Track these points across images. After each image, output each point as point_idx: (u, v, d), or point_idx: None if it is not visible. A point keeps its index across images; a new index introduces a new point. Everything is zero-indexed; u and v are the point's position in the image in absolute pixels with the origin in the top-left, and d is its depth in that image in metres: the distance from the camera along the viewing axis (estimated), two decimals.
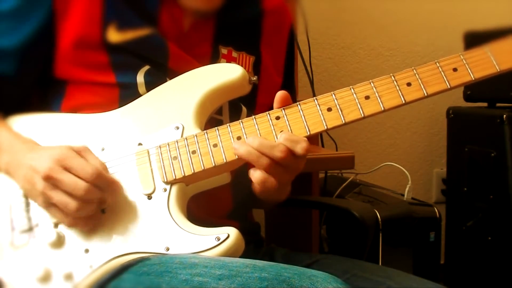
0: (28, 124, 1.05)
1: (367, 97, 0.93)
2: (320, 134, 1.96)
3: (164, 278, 0.85)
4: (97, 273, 0.92)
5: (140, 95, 1.03)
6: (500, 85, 2.00)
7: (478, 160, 2.10)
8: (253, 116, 0.95)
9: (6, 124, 1.05)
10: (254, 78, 1.03)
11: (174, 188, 0.95)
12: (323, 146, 2.05)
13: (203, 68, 1.02)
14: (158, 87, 1.02)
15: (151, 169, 0.96)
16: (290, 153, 0.90)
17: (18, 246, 0.97)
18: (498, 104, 2.14)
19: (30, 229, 0.97)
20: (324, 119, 0.93)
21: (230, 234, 0.89)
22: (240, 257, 0.89)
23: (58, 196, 0.90)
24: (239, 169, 1.00)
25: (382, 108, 0.92)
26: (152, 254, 0.91)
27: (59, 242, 0.95)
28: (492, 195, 2.04)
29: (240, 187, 1.06)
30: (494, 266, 2.05)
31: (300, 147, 0.90)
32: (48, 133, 1.03)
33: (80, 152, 0.93)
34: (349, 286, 0.81)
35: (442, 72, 0.93)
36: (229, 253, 0.88)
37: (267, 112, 0.95)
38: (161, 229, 0.92)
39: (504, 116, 1.97)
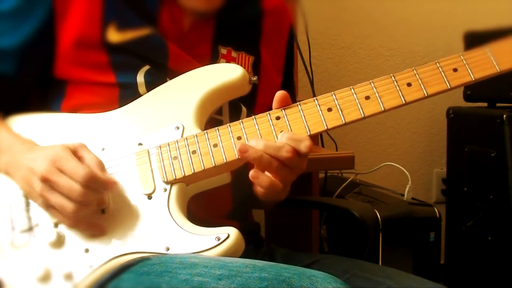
0: (28, 124, 1.05)
1: (367, 97, 0.93)
2: (320, 134, 1.96)
3: (164, 278, 0.85)
4: (97, 273, 0.92)
5: (140, 95, 1.03)
6: (500, 85, 2.00)
7: (478, 160, 2.10)
8: (253, 116, 0.95)
9: (6, 124, 1.05)
10: (254, 78, 1.03)
11: (174, 188, 0.95)
12: (323, 146, 2.05)
13: (203, 68, 1.02)
14: (158, 87, 1.02)
15: (151, 169, 0.96)
16: (296, 152, 0.90)
17: (18, 246, 0.97)
18: (498, 104, 2.14)
19: (30, 229, 0.97)
20: (324, 119, 0.93)
21: (230, 234, 0.89)
22: (240, 257, 0.89)
23: (55, 198, 0.90)
24: (239, 169, 1.00)
25: (382, 108, 0.92)
26: (152, 254, 0.91)
27: (59, 242, 0.95)
28: (492, 195, 2.04)
29: (240, 187, 1.06)
30: (494, 266, 2.05)
31: (304, 146, 0.90)
32: (48, 133, 1.03)
33: (76, 151, 0.93)
34: (349, 286, 0.81)
35: (442, 73, 0.93)
36: (229, 253, 0.88)
37: (267, 112, 0.95)
38: (161, 229, 0.92)
39: (504, 116, 1.97)
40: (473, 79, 0.92)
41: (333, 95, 0.93)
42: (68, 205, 0.90)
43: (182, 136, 0.96)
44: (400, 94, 0.92)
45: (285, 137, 0.90)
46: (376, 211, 1.73)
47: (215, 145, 0.94)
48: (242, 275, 0.80)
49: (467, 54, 0.93)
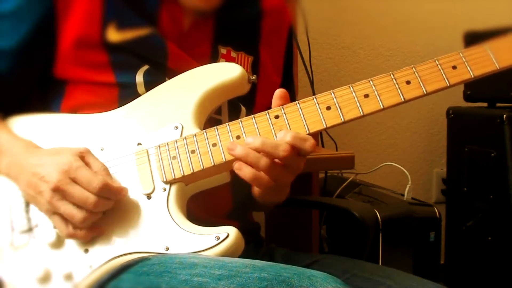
0: (27, 125, 1.05)
1: (366, 96, 0.93)
2: (320, 134, 1.96)
3: (163, 278, 0.85)
4: (97, 273, 0.92)
5: (139, 95, 1.03)
6: (500, 85, 2.00)
7: (478, 160, 2.10)
8: (252, 116, 0.95)
9: (5, 125, 1.05)
10: (253, 78, 1.03)
11: (174, 188, 0.95)
12: (323, 146, 2.05)
13: (202, 68, 1.02)
14: (157, 86, 1.02)
15: (151, 169, 0.96)
16: (294, 151, 0.89)
17: (18, 247, 0.97)
18: (498, 104, 2.14)
19: (30, 229, 0.97)
20: (323, 117, 0.92)
21: (229, 233, 0.89)
22: (240, 257, 0.89)
23: (65, 207, 0.91)
24: None
25: (382, 106, 0.92)
26: (151, 254, 0.91)
27: (58, 242, 0.95)
28: (492, 195, 2.04)
29: (240, 187, 1.05)
30: (494, 266, 2.05)
31: (308, 144, 0.90)
32: (47, 134, 1.03)
33: (83, 156, 0.94)
34: (349, 286, 0.81)
35: (441, 70, 0.93)
36: (228, 253, 0.88)
37: (266, 111, 0.94)
38: (160, 228, 0.92)
39: (504, 116, 1.97)
40: (472, 76, 0.92)
41: (332, 94, 0.93)
42: (78, 214, 0.91)
43: (181, 136, 0.96)
44: (399, 92, 0.92)
45: (289, 136, 0.89)
46: (376, 211, 1.73)
47: (214, 145, 0.94)
48: (241, 275, 0.80)
49: (466, 51, 0.93)
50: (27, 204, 0.98)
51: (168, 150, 0.96)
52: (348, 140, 2.40)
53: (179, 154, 0.95)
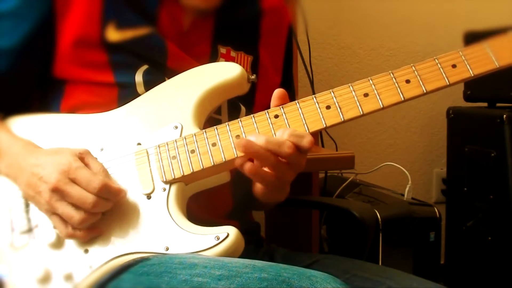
0: (27, 125, 1.05)
1: (366, 95, 0.92)
2: (320, 134, 1.96)
3: (163, 279, 0.84)
4: (97, 273, 0.92)
5: (138, 95, 1.03)
6: (500, 85, 2.00)
7: (478, 160, 2.10)
8: (251, 115, 0.95)
9: (5, 125, 1.05)
10: (253, 77, 1.03)
11: (173, 188, 0.95)
12: (323, 146, 2.05)
13: (202, 67, 1.02)
14: (157, 86, 1.02)
15: (150, 169, 0.96)
16: (296, 149, 0.89)
17: (18, 247, 0.97)
18: (498, 104, 2.13)
19: (30, 230, 0.97)
20: (323, 117, 0.92)
21: (229, 233, 0.89)
22: (240, 257, 0.89)
23: (63, 208, 0.91)
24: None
25: (381, 105, 0.92)
26: (151, 254, 0.91)
27: (58, 242, 0.95)
28: (492, 195, 2.04)
29: (240, 186, 1.06)
30: (494, 266, 2.05)
31: (306, 141, 0.89)
32: (47, 134, 1.03)
33: (82, 157, 0.93)
34: (349, 286, 0.81)
35: (441, 69, 0.92)
36: (228, 253, 0.88)
37: (265, 111, 0.94)
38: (160, 229, 0.92)
39: (504, 116, 1.97)
40: (472, 75, 0.92)
41: (332, 93, 0.93)
42: (77, 215, 0.91)
43: (180, 136, 0.96)
44: (399, 91, 0.92)
45: (287, 133, 0.89)
46: (376, 211, 1.73)
47: (214, 144, 0.94)
48: (241, 275, 0.80)
49: (466, 50, 0.93)
50: (27, 205, 0.98)
51: (168, 150, 0.96)
52: (348, 140, 2.40)
53: (178, 154, 0.95)
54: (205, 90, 0.99)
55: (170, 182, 0.95)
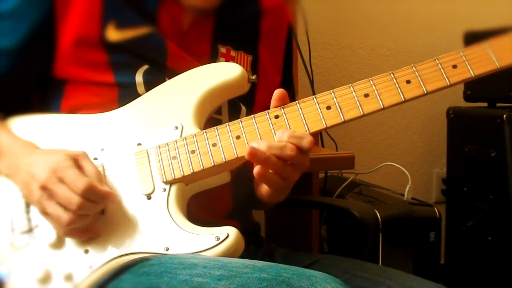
0: (27, 126, 1.05)
1: (366, 95, 0.92)
2: (320, 134, 1.96)
3: (163, 279, 0.85)
4: (97, 273, 0.92)
5: (139, 95, 1.03)
6: (500, 85, 2.00)
7: (478, 160, 2.10)
8: (252, 116, 0.95)
9: (5, 126, 1.05)
10: (253, 77, 1.03)
11: (174, 188, 0.95)
12: (323, 146, 2.05)
13: (202, 68, 1.02)
14: (157, 86, 1.02)
15: (150, 169, 0.96)
16: (298, 150, 0.89)
17: (18, 247, 0.97)
18: (498, 104, 2.13)
19: (30, 230, 0.97)
20: (323, 117, 0.92)
21: (229, 233, 0.89)
22: (240, 257, 0.89)
23: (52, 208, 0.90)
24: (239, 168, 1.00)
25: (382, 106, 0.92)
26: (151, 254, 0.91)
27: (59, 243, 0.95)
28: (492, 195, 2.04)
29: (240, 186, 1.06)
30: (494, 266, 2.05)
31: (306, 142, 0.90)
32: (47, 135, 1.03)
33: (77, 159, 0.93)
34: (349, 286, 0.81)
35: (441, 69, 0.92)
36: (228, 253, 0.88)
37: (266, 111, 0.94)
38: (160, 229, 0.92)
39: (504, 116, 1.97)
40: (473, 75, 0.92)
41: (332, 93, 0.93)
42: (64, 216, 0.90)
43: (181, 136, 0.96)
44: (399, 91, 0.92)
45: (286, 135, 0.89)
46: (376, 211, 1.73)
47: (214, 145, 0.94)
48: (241, 275, 0.80)
49: (467, 50, 0.93)
50: (27, 205, 0.98)
51: (168, 150, 0.96)
52: (348, 140, 2.40)
53: (179, 154, 0.95)
54: (205, 90, 0.99)
55: (170, 183, 0.95)
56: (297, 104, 0.93)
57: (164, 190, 0.94)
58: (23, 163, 0.95)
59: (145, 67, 1.04)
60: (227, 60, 1.10)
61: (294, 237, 1.80)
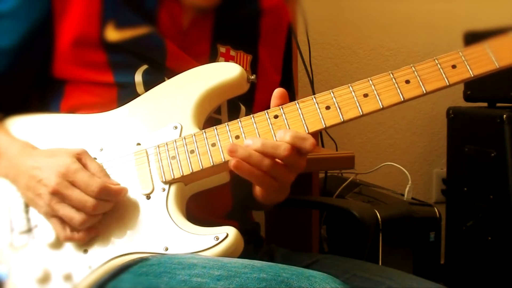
0: (26, 125, 1.04)
1: (365, 95, 0.92)
2: (320, 134, 1.96)
3: (162, 279, 0.84)
4: (96, 273, 0.92)
5: (138, 95, 1.02)
6: (500, 85, 2.00)
7: (478, 160, 2.10)
8: (251, 115, 0.94)
9: (2, 126, 1.05)
10: (253, 77, 1.03)
11: (173, 188, 0.95)
12: (323, 146, 2.05)
13: (202, 67, 1.02)
14: (156, 86, 1.02)
15: (150, 169, 0.95)
16: (294, 151, 0.89)
17: (18, 247, 0.97)
18: (498, 104, 2.13)
19: (29, 230, 0.97)
20: (322, 117, 0.92)
21: (229, 233, 0.89)
22: (240, 257, 0.89)
23: (64, 210, 0.91)
24: None
25: (381, 106, 0.92)
26: (151, 254, 0.91)
27: (58, 243, 0.95)
28: (492, 195, 2.04)
29: (240, 187, 1.05)
30: (494, 266, 2.05)
31: (308, 143, 0.89)
32: (46, 134, 1.03)
33: (80, 158, 0.93)
34: (348, 286, 0.81)
35: (441, 69, 0.92)
36: (228, 253, 0.88)
37: (265, 111, 0.94)
38: (160, 229, 0.92)
39: (504, 116, 1.97)
40: (472, 75, 0.92)
41: (331, 93, 0.93)
42: (77, 217, 0.91)
43: (180, 136, 0.96)
44: (399, 91, 0.92)
45: (289, 135, 0.89)
46: (376, 211, 1.73)
47: (213, 145, 0.94)
48: (240, 275, 0.80)
49: (466, 50, 0.93)
50: (27, 205, 0.98)
51: (167, 150, 0.96)
52: (348, 140, 2.40)
53: (178, 154, 0.95)
54: (204, 90, 0.99)
55: (170, 182, 0.95)
56: (296, 104, 0.93)
57: (163, 190, 0.94)
58: (24, 165, 0.95)
59: (145, 67, 1.04)
60: (226, 60, 1.10)
61: (294, 237, 1.80)
